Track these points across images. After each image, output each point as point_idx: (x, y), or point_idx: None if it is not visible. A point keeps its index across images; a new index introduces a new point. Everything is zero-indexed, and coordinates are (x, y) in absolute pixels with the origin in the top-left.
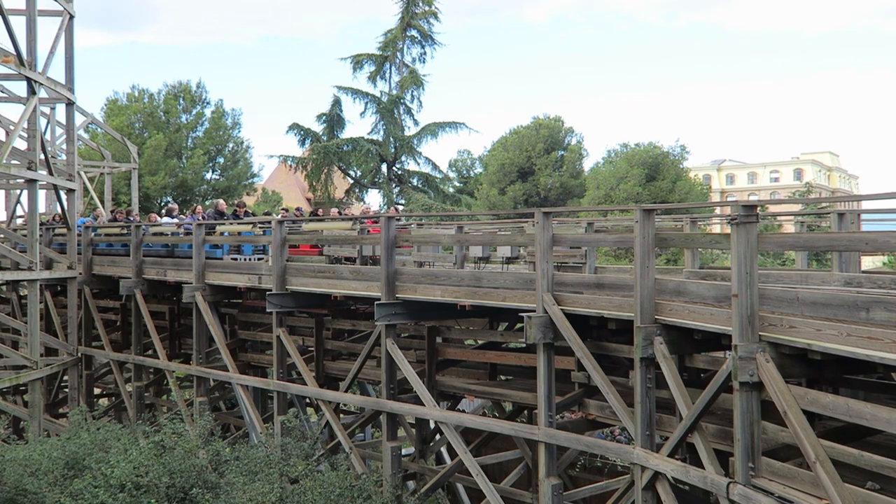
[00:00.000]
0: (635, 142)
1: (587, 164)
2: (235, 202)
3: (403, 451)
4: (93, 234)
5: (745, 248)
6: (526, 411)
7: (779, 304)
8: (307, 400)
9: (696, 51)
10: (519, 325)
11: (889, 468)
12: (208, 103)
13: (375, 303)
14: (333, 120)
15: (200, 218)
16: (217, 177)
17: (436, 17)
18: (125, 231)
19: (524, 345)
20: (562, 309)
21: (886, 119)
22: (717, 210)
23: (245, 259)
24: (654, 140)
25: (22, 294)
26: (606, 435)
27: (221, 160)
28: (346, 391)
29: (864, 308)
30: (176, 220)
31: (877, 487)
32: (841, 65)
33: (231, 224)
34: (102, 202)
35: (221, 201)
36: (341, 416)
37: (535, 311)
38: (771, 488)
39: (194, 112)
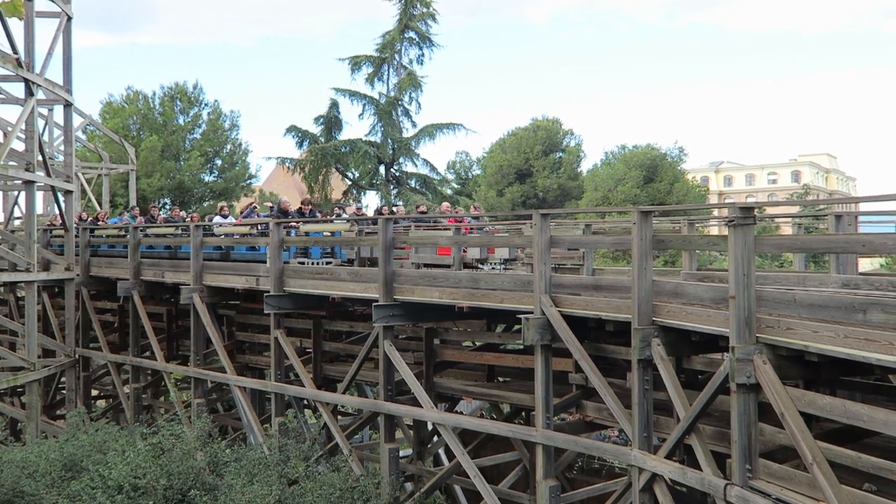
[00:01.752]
0: (633, 143)
1: (585, 166)
2: (302, 199)
3: (401, 453)
4: (141, 234)
5: (742, 249)
6: (523, 413)
7: (776, 305)
8: (305, 401)
9: (696, 51)
10: (517, 327)
11: (886, 470)
12: (205, 105)
13: (373, 304)
14: (331, 122)
15: (257, 217)
16: (215, 178)
17: (433, 19)
18: (174, 231)
19: (522, 346)
20: (559, 310)
21: (886, 120)
22: (715, 212)
23: (312, 263)
24: (652, 142)
25: (20, 295)
26: (604, 437)
27: (219, 162)
28: (343, 393)
29: (860, 310)
30: (232, 221)
31: (874, 489)
32: (841, 65)
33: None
34: (100, 203)
35: (284, 198)
36: (339, 417)
37: (532, 312)
38: (768, 490)
39: (191, 114)
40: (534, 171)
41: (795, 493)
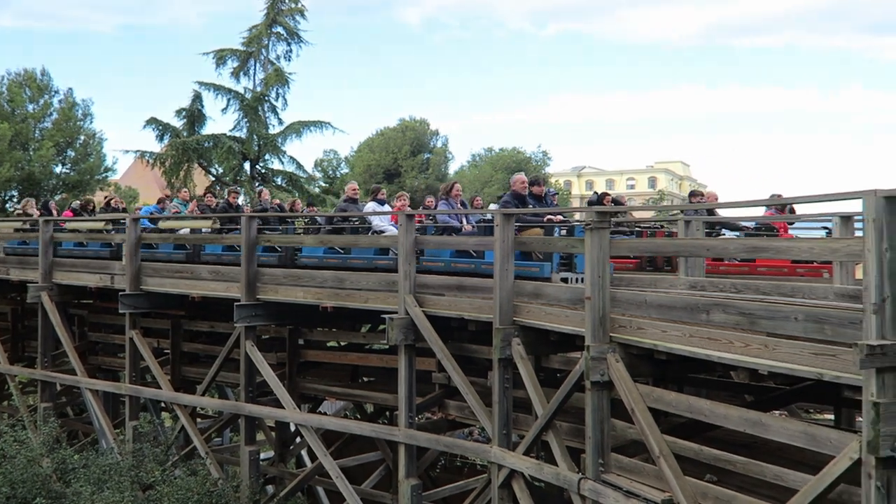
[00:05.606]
0: (499, 147)
1: (453, 168)
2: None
3: (263, 455)
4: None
5: (598, 252)
6: (387, 413)
7: (629, 306)
8: (162, 404)
9: (564, 59)
10: (382, 327)
11: (726, 461)
12: (56, 92)
13: (235, 304)
14: (194, 115)
15: (472, 206)
16: (67, 170)
17: (302, 15)
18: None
19: (386, 346)
20: (423, 311)
21: (734, 132)
22: (577, 216)
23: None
24: (518, 146)
25: None
26: (466, 435)
27: (72, 153)
28: (203, 394)
29: (704, 311)
30: (387, 210)
31: (714, 479)
32: (697, 78)
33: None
34: None
35: (520, 175)
36: (198, 420)
37: (396, 312)
38: (619, 483)
39: (41, 102)
40: (402, 171)
41: (644, 485)
